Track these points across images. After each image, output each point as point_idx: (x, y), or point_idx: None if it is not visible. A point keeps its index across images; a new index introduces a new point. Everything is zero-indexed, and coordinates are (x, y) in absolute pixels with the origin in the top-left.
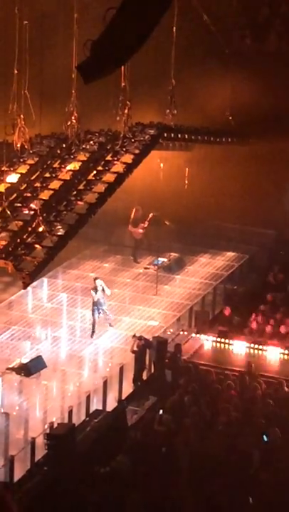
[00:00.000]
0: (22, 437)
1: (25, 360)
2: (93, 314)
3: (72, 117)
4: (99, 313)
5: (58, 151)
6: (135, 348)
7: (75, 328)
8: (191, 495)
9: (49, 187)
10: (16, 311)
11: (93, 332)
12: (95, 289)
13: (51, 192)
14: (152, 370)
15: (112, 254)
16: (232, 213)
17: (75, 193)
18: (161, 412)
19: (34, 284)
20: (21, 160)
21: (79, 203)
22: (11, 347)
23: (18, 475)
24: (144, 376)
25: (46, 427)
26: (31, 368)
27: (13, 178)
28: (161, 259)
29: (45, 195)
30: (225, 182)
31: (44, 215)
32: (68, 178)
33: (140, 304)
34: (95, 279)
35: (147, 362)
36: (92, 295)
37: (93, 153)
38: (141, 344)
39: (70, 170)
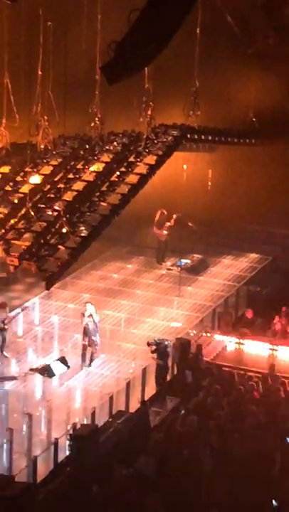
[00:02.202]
0: (45, 438)
1: (48, 361)
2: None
3: (96, 118)
4: (87, 342)
5: (82, 152)
6: (151, 355)
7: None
8: (214, 497)
9: (72, 188)
10: (40, 312)
11: (91, 360)
12: (84, 315)
13: (75, 193)
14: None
15: (135, 255)
16: (255, 215)
17: (98, 194)
18: (182, 412)
19: (57, 285)
20: (45, 161)
21: (102, 204)
22: (34, 348)
23: (41, 475)
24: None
25: (69, 427)
26: (54, 369)
27: (36, 179)
28: (184, 261)
29: (68, 196)
30: (248, 183)
31: (67, 216)
32: (92, 179)
33: (163, 305)
34: (86, 303)
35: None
36: (81, 320)
37: (116, 155)
38: (153, 349)
39: (94, 171)
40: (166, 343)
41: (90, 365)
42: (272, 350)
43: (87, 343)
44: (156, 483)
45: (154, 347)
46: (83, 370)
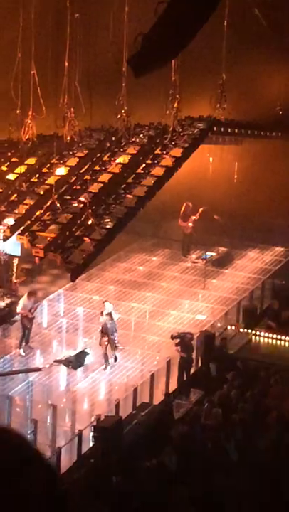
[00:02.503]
0: (69, 429)
1: (73, 353)
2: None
3: (122, 110)
4: (106, 341)
5: (108, 144)
6: (175, 347)
7: (122, 322)
8: (239, 490)
9: (98, 180)
10: (64, 303)
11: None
12: (101, 312)
13: (100, 185)
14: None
15: (160, 247)
16: (281, 208)
17: (124, 186)
18: (206, 405)
19: (82, 276)
20: (71, 153)
21: (128, 196)
22: (58, 339)
23: (64, 467)
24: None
25: (93, 419)
26: (79, 361)
27: (62, 170)
28: (209, 254)
29: (94, 188)
30: (274, 176)
31: (93, 207)
32: (117, 171)
33: (188, 297)
34: (104, 301)
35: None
36: (99, 319)
37: (142, 147)
38: (177, 342)
39: (120, 163)
40: (189, 336)
41: (115, 360)
42: None
43: (106, 342)
44: (180, 476)
45: (178, 340)
46: (107, 369)
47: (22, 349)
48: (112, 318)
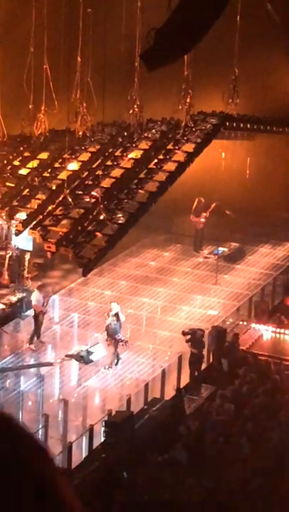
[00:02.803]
0: (80, 424)
1: (84, 348)
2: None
3: (135, 105)
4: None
5: (120, 139)
6: (186, 344)
7: (134, 317)
8: (251, 486)
9: (110, 175)
10: (76, 298)
11: (118, 360)
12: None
13: (112, 180)
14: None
15: (172, 243)
16: None
17: (136, 181)
18: (218, 400)
19: (94, 271)
20: (83, 148)
21: (140, 191)
22: (70, 334)
23: (76, 461)
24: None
25: (104, 414)
26: (90, 356)
27: (74, 165)
28: (221, 249)
29: (106, 183)
30: (287, 172)
31: (105, 203)
32: (130, 166)
33: (200, 293)
34: (112, 302)
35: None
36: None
37: (155, 142)
38: (187, 339)
39: (132, 158)
40: (200, 332)
41: (116, 363)
42: None
43: (112, 343)
44: (191, 471)
45: (188, 336)
46: (119, 364)
47: (33, 344)
48: (118, 319)
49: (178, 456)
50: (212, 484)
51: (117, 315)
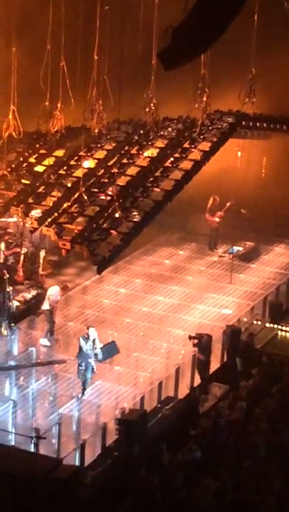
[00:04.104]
0: (94, 422)
1: (99, 345)
2: (78, 373)
3: (151, 104)
4: (82, 368)
5: (136, 137)
6: (193, 348)
7: (148, 316)
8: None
9: (126, 173)
10: (91, 296)
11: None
12: (86, 339)
13: (128, 178)
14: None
15: (187, 241)
16: None
17: (151, 179)
18: (231, 399)
19: (109, 269)
20: (99, 145)
21: (155, 189)
22: (84, 332)
23: (89, 459)
24: (214, 367)
25: (118, 412)
26: (104, 353)
27: (90, 163)
28: (236, 248)
29: (122, 181)
30: None
31: (120, 200)
32: (145, 164)
33: (214, 292)
34: (88, 327)
35: (220, 350)
36: (80, 342)
37: (171, 140)
38: (194, 343)
39: (148, 156)
40: (207, 337)
41: (83, 393)
42: None
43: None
44: (204, 470)
45: (196, 341)
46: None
47: (47, 339)
48: (94, 346)
49: (191, 455)
50: (227, 484)
51: (94, 341)
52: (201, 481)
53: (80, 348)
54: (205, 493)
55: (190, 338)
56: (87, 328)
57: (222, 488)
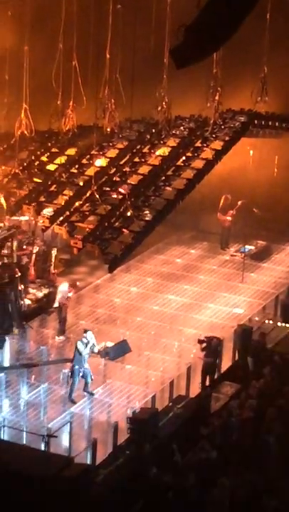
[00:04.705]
0: (105, 421)
1: (110, 344)
2: (73, 375)
3: (163, 102)
4: (79, 373)
5: (148, 136)
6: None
7: (160, 314)
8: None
9: (138, 172)
10: (102, 294)
11: (70, 396)
12: (85, 343)
13: (140, 177)
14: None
15: (198, 240)
16: None
17: (163, 178)
18: (242, 398)
19: (120, 268)
20: (111, 144)
21: (167, 188)
22: (96, 330)
23: (100, 458)
24: (226, 366)
25: (129, 411)
26: (116, 352)
27: (102, 162)
28: (248, 247)
29: (133, 179)
30: None
31: (132, 199)
32: (157, 163)
33: (226, 291)
34: (86, 330)
35: (231, 350)
36: (78, 347)
37: (183, 139)
38: (202, 347)
39: (160, 155)
40: (216, 340)
41: (70, 397)
42: None
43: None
44: (216, 469)
45: (204, 344)
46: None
47: (59, 337)
48: (92, 351)
49: (203, 454)
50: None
51: (92, 346)
52: (216, 481)
53: (77, 353)
54: (221, 492)
55: (199, 342)
56: (85, 332)
57: (236, 486)
